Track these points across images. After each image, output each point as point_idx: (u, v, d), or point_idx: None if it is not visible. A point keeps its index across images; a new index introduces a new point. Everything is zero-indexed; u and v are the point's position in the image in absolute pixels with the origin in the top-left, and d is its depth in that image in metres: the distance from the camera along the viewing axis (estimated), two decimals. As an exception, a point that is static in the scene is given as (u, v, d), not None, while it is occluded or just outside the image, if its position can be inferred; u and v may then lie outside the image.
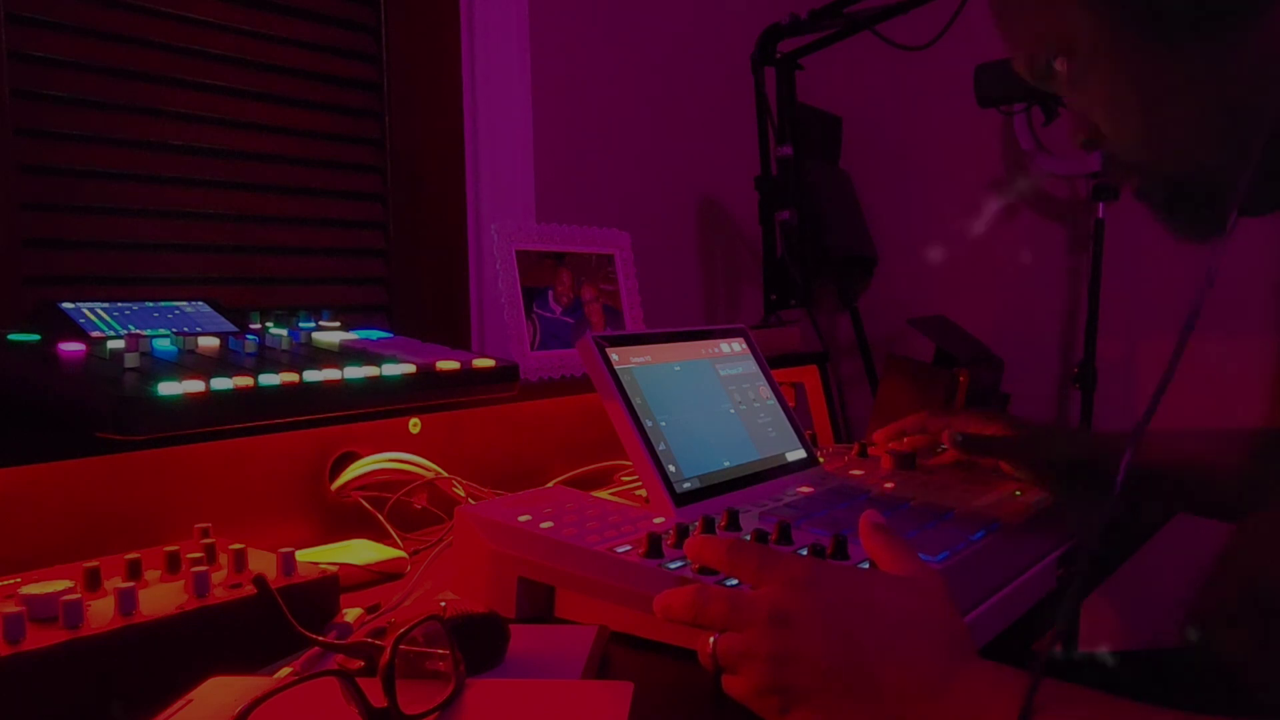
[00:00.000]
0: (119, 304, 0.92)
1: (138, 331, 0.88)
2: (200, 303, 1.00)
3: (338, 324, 1.03)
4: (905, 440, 1.02)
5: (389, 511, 0.96)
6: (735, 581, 0.62)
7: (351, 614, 0.70)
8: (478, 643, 0.58)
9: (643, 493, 0.84)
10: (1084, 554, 0.79)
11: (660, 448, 0.81)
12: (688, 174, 1.91)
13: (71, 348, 0.77)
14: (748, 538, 0.68)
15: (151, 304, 0.95)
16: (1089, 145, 0.67)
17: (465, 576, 0.76)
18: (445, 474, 1.01)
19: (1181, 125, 0.61)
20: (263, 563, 0.69)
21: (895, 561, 0.59)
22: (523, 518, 0.73)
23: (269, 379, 0.76)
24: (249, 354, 0.83)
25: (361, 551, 0.90)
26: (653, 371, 0.87)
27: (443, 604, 0.60)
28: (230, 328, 0.95)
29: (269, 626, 0.59)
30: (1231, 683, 0.60)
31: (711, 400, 0.91)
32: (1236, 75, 0.58)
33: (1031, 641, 0.72)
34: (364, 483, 0.96)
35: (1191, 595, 0.62)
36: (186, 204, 1.25)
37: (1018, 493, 0.91)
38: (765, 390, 1.00)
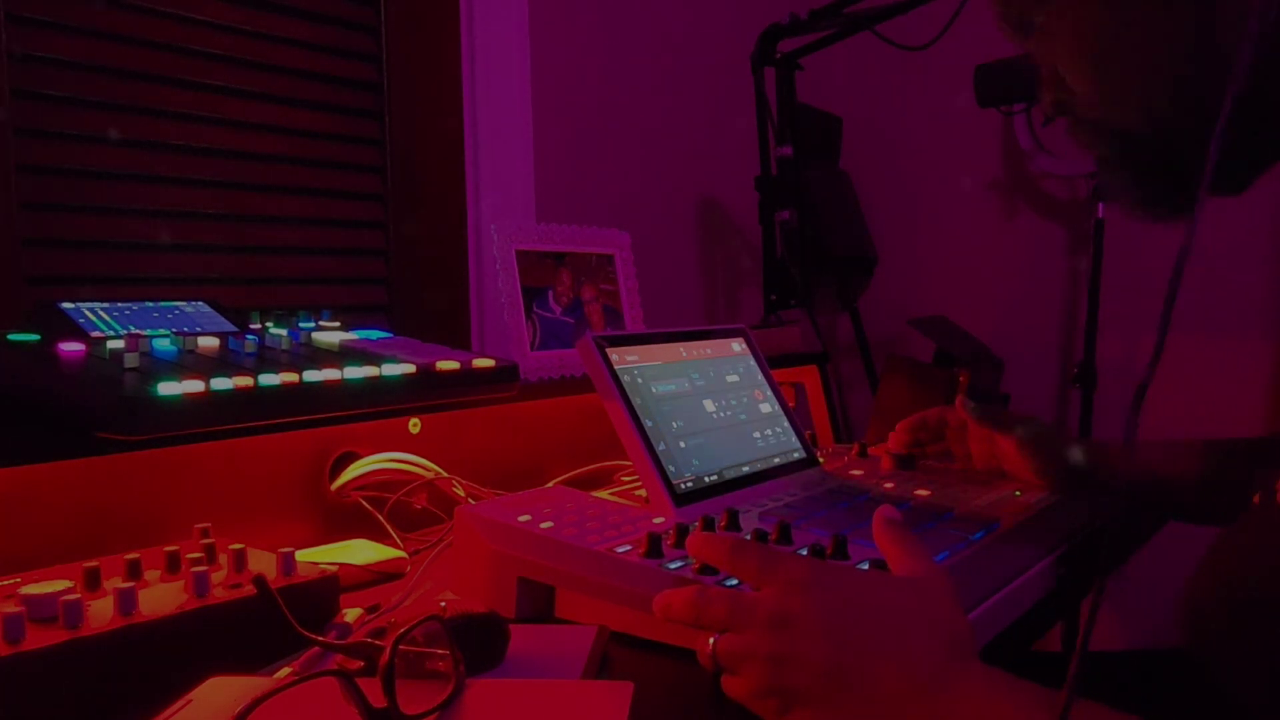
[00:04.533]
0: (119, 304, 0.92)
1: (138, 331, 0.88)
2: (200, 303, 1.00)
3: (338, 324, 1.03)
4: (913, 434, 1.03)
5: (389, 511, 0.96)
6: (735, 581, 0.62)
7: (351, 614, 0.70)
8: (478, 643, 0.58)
9: (643, 493, 0.84)
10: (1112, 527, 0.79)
11: (660, 448, 0.81)
12: (688, 174, 1.91)
13: (71, 348, 0.77)
14: (748, 538, 0.68)
15: (151, 304, 0.95)
16: (1057, 108, 0.66)
17: (465, 576, 0.76)
18: (445, 474, 1.01)
19: (1145, 78, 0.60)
20: (263, 563, 0.69)
21: (906, 559, 0.59)
22: (523, 518, 0.73)
23: (269, 379, 0.76)
24: (249, 354, 0.83)
25: (361, 551, 0.90)
26: (653, 371, 0.87)
27: (443, 604, 0.60)
28: (230, 328, 0.95)
29: (269, 626, 0.59)
30: (1220, 684, 0.60)
31: (711, 400, 0.91)
32: (1203, 28, 0.57)
33: (1031, 642, 0.72)
34: (364, 483, 0.96)
35: (1179, 597, 0.62)
36: (186, 204, 1.25)
37: (1018, 493, 0.91)
38: (765, 390, 0.99)
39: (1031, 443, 0.93)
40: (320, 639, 0.60)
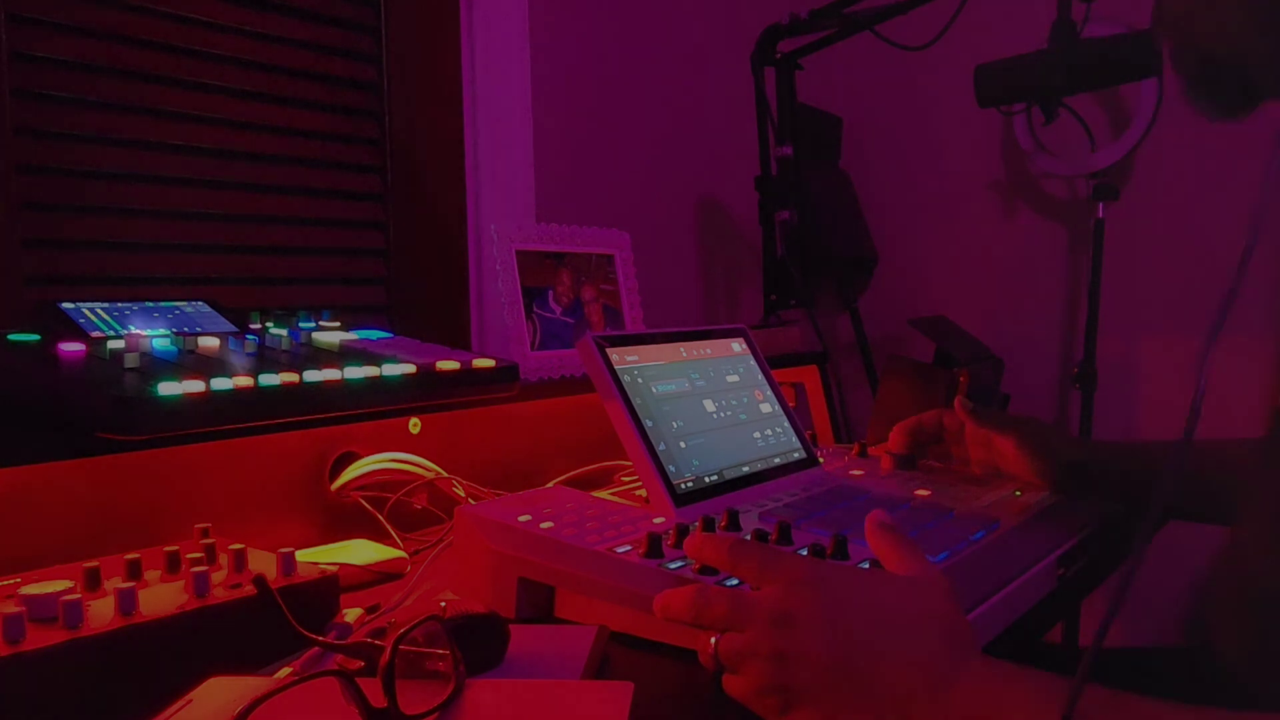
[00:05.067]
0: (119, 304, 0.92)
1: (138, 331, 0.88)
2: (200, 303, 1.00)
3: (338, 324, 1.03)
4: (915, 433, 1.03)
5: (389, 511, 0.96)
6: (735, 581, 0.62)
7: (351, 614, 0.70)
8: (478, 643, 0.58)
9: (643, 493, 0.84)
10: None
11: (660, 448, 0.81)
12: (688, 174, 1.91)
13: (71, 348, 0.77)
14: (748, 538, 0.68)
15: (151, 304, 0.95)
16: None
17: (465, 576, 0.76)
18: (445, 474, 1.01)
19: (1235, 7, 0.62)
20: (263, 563, 0.69)
21: (901, 561, 0.59)
22: (523, 518, 0.73)
23: (269, 379, 0.76)
24: (249, 354, 0.83)
25: (361, 551, 0.90)
26: (653, 371, 0.87)
27: (443, 604, 0.60)
28: (230, 328, 0.95)
29: (269, 626, 0.59)
30: (1230, 681, 0.60)
31: (711, 400, 0.91)
32: None
33: (1032, 641, 0.72)
34: (364, 483, 0.96)
35: (1192, 595, 0.63)
36: (186, 204, 1.25)
37: (1018, 493, 0.91)
38: (765, 390, 0.99)
39: (1031, 443, 0.93)
40: (320, 639, 0.60)
